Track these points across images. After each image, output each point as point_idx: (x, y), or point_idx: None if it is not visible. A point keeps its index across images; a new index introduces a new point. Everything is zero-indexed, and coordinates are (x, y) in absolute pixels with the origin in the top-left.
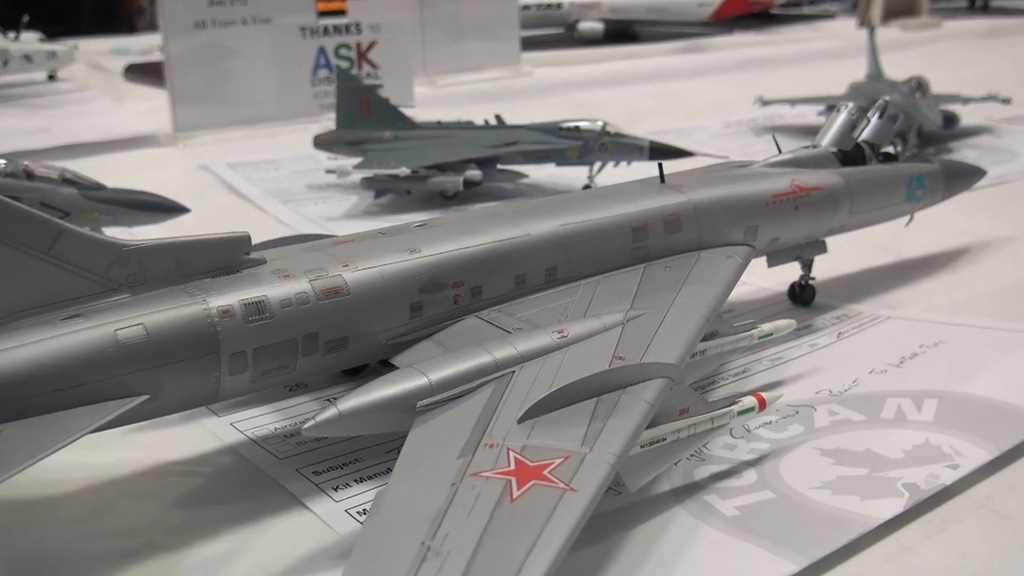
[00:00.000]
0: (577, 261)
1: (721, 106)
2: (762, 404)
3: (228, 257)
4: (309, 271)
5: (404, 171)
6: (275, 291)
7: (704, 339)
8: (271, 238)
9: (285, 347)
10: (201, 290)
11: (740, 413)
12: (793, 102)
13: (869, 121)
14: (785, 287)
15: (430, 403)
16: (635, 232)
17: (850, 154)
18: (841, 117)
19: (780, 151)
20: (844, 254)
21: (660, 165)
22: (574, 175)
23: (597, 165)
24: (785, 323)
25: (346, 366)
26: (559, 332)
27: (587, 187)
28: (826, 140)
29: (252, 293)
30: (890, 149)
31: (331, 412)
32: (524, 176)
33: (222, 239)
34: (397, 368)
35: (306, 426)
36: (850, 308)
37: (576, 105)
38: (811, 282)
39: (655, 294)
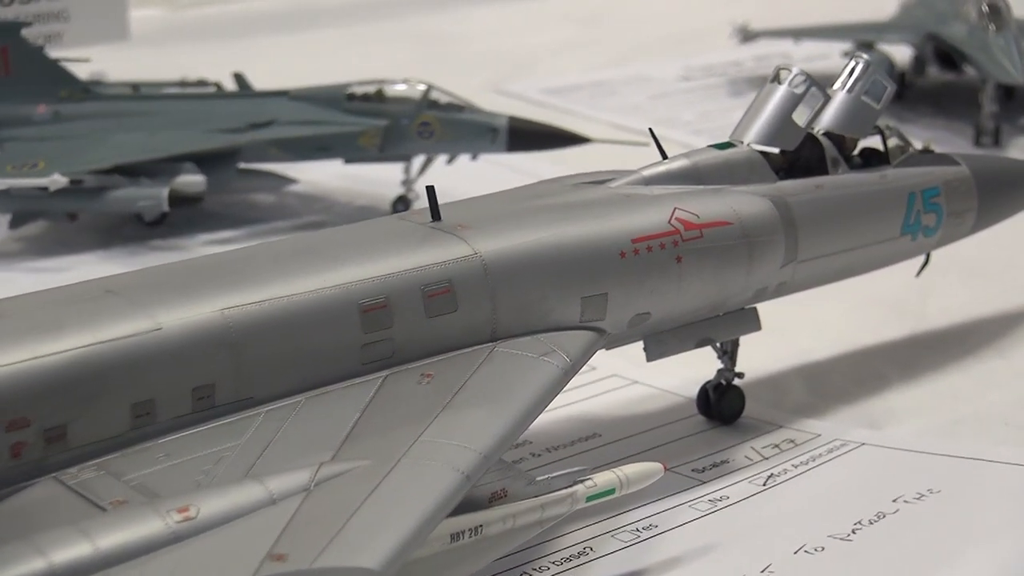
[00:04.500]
0: (253, 372)
1: (681, 40)
2: None
3: None
4: None
5: (60, 180)
6: None
7: (479, 507)
8: None
9: None
10: None
11: None
12: (798, 35)
13: (829, 98)
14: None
15: None
16: (366, 315)
17: (800, 156)
18: (779, 91)
19: (665, 156)
20: (816, 322)
21: (430, 189)
22: (381, 178)
23: (418, 161)
24: (640, 470)
25: None
26: (182, 511)
27: (401, 200)
28: (751, 133)
29: None
30: (877, 143)
31: None
32: (291, 182)
33: None
34: None
35: None
36: (802, 427)
37: (431, 39)
38: (735, 382)
39: (388, 430)
